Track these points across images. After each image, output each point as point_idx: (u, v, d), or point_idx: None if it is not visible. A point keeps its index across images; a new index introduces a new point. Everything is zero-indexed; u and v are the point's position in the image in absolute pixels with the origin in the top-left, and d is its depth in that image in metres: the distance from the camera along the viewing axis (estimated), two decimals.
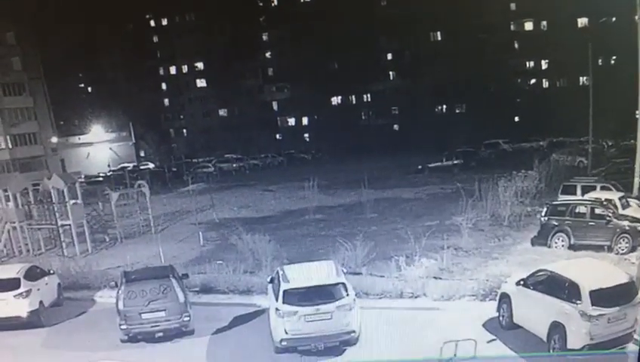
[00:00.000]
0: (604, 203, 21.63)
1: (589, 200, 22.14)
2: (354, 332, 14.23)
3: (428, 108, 77.88)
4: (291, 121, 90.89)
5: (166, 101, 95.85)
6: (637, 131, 27.20)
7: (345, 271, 16.33)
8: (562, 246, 21.04)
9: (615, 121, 43.52)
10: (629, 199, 23.59)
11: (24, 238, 27.41)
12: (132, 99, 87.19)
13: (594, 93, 36.98)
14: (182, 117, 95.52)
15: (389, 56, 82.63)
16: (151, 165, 68.73)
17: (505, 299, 15.05)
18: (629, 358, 12.94)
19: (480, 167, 41.98)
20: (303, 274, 14.93)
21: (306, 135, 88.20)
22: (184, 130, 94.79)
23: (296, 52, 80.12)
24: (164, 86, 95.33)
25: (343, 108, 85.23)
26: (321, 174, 39.11)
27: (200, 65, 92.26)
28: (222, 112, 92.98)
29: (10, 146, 64.14)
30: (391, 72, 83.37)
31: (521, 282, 14.58)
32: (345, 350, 14.35)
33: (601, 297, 12.62)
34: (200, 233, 27.09)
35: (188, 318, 15.75)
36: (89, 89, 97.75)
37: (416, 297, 17.43)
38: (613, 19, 60.44)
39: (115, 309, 15.68)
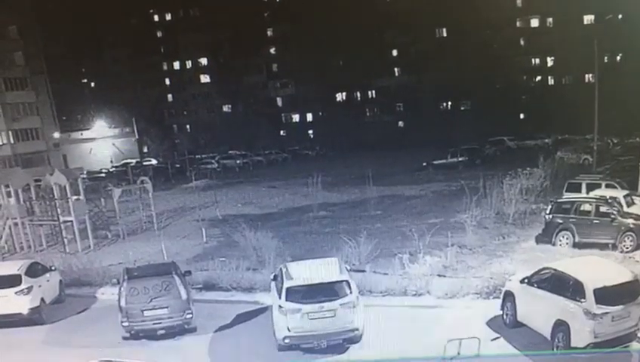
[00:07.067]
0: (609, 201, 21.49)
1: (593, 198, 22.00)
2: (357, 330, 14.14)
3: (433, 105, 77.88)
4: (295, 118, 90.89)
5: (169, 97, 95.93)
6: None
7: (348, 268, 16.27)
8: (567, 244, 20.92)
9: (620, 118, 43.35)
10: (633, 197, 23.47)
11: (25, 234, 27.34)
12: (135, 94, 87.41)
13: (599, 91, 36.71)
14: (185, 113, 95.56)
15: (394, 53, 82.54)
16: (154, 161, 68.79)
17: (509, 297, 14.98)
18: (632, 356, 12.89)
19: (485, 165, 41.96)
20: (306, 272, 14.84)
21: (311, 131, 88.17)
22: (187, 126, 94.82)
23: (301, 48, 80.00)
24: (167, 81, 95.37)
25: (347, 105, 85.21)
26: (325, 171, 39.12)
27: (204, 60, 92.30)
28: (226, 108, 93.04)
29: (12, 142, 64.16)
30: (396, 69, 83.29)
31: (526, 280, 14.51)
32: (348, 348, 14.28)
33: (606, 295, 12.53)
34: (203, 230, 26.98)
35: (190, 315, 15.67)
36: (92, 84, 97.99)
37: (419, 295, 17.35)
38: (620, 16, 60.25)
39: (117, 306, 15.60)
